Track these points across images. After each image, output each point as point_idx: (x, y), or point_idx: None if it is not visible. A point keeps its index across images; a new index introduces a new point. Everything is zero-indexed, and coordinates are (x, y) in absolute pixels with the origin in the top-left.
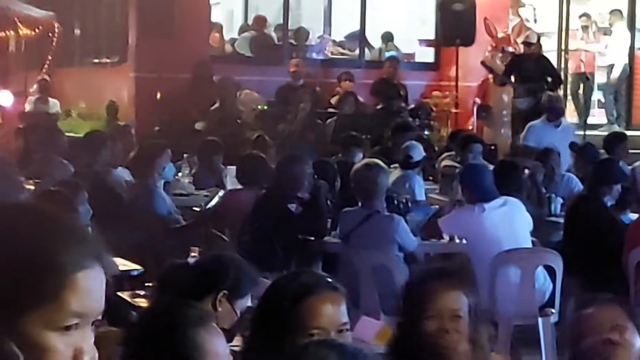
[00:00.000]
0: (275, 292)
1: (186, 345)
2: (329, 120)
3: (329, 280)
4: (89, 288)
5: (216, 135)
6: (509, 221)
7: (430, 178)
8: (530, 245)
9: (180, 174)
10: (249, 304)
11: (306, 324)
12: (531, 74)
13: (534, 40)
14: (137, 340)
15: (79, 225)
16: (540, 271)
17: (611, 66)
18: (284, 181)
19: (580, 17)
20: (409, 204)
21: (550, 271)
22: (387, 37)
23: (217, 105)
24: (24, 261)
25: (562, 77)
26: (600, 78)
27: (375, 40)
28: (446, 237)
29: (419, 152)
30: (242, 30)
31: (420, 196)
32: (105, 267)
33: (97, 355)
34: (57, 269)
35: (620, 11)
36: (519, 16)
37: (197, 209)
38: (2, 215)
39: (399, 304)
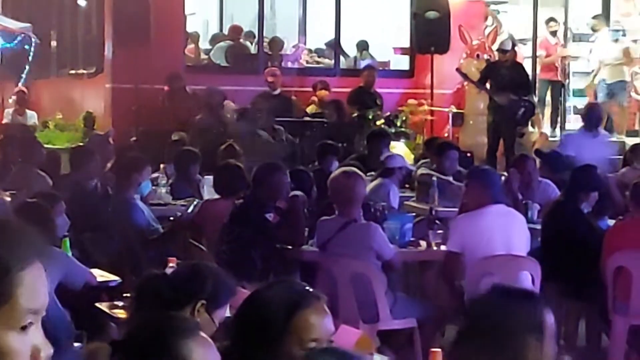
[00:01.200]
0: (263, 304)
1: (177, 357)
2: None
3: (312, 290)
4: (36, 283)
5: (199, 144)
6: (505, 229)
7: (407, 186)
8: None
9: (157, 184)
10: (227, 314)
11: (302, 337)
12: (506, 80)
13: (509, 47)
14: (126, 355)
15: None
16: (526, 278)
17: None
18: (262, 190)
19: (547, 22)
20: (386, 212)
21: None
22: (362, 46)
23: (201, 115)
24: None
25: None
26: (577, 84)
27: (350, 49)
28: (423, 244)
29: (398, 161)
30: (215, 39)
31: (394, 204)
32: (43, 261)
33: (51, 351)
34: (5, 269)
35: (602, 16)
36: (496, 21)
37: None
38: None
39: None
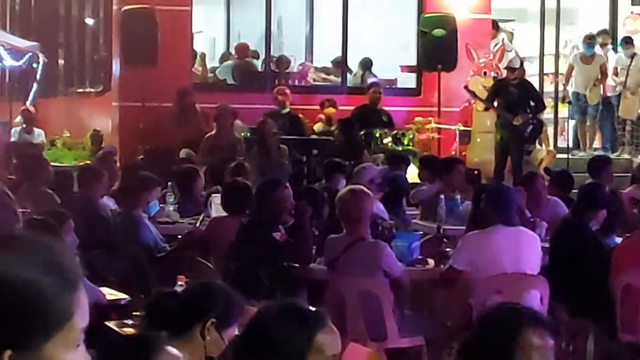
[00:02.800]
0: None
1: None
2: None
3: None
4: (86, 303)
5: (209, 162)
6: (514, 250)
7: (412, 203)
8: None
9: (165, 202)
10: (236, 332)
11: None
12: (515, 98)
13: (517, 65)
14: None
15: (65, 246)
16: (534, 297)
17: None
18: (265, 207)
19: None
20: (394, 230)
21: None
22: (366, 64)
23: (213, 132)
24: (47, 286)
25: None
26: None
27: (356, 67)
28: (431, 263)
29: (369, 173)
30: (223, 58)
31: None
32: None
33: None
34: (71, 287)
35: (606, 31)
36: (502, 41)
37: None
38: (10, 248)
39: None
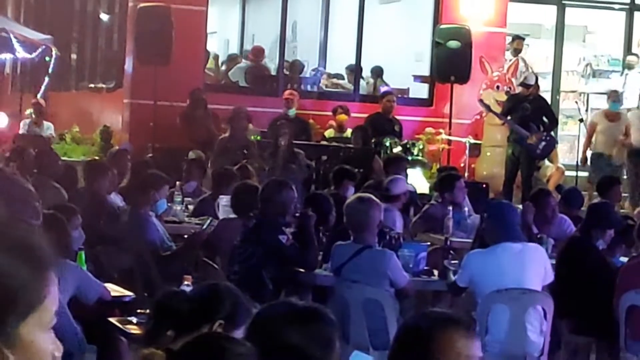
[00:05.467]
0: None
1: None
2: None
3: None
4: (56, 288)
5: (220, 164)
6: (517, 268)
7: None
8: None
9: (173, 202)
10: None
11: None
12: (529, 114)
13: (532, 82)
14: None
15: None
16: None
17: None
18: (270, 207)
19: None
20: (401, 240)
21: None
22: (377, 72)
23: (227, 134)
24: (20, 269)
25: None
26: None
27: (368, 74)
28: (436, 274)
29: (400, 186)
30: (232, 60)
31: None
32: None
33: (62, 352)
34: (45, 266)
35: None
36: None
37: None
38: None
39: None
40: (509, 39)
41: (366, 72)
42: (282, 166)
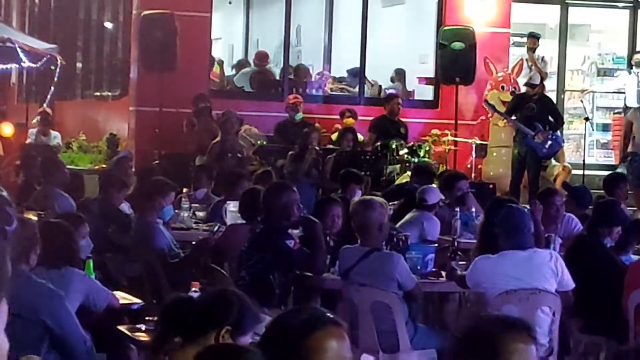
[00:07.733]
0: (279, 328)
1: None
2: (328, 157)
3: (332, 315)
4: (5, 309)
5: (216, 169)
6: (525, 275)
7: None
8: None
9: (180, 208)
10: (250, 340)
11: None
12: (535, 113)
13: (537, 82)
14: None
15: None
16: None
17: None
18: (273, 211)
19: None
20: (409, 242)
21: None
22: (401, 74)
23: (218, 139)
24: None
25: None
26: (602, 119)
27: (374, 77)
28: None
29: (435, 196)
30: (239, 65)
31: (433, 237)
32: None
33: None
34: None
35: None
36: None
37: None
38: None
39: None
40: (513, 39)
41: (370, 75)
42: (307, 172)
